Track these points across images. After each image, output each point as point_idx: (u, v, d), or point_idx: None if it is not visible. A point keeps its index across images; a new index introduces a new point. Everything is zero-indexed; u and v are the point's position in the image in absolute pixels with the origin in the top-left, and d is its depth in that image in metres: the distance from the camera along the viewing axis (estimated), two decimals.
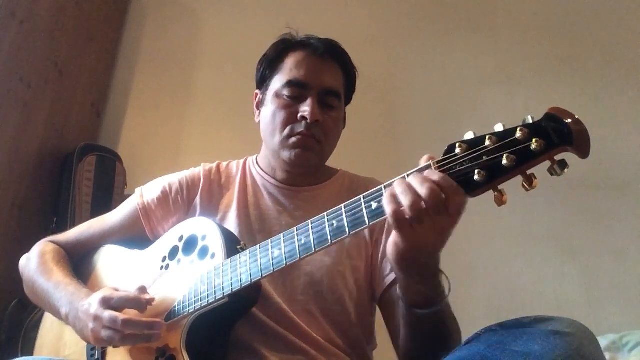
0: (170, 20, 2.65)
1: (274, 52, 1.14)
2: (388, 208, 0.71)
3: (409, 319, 0.85)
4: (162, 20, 2.65)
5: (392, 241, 0.76)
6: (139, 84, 2.56)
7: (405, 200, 0.69)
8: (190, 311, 0.88)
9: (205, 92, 2.50)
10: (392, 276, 1.03)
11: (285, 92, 1.07)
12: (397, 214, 0.70)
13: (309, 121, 1.04)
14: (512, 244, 2.09)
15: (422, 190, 0.68)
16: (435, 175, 0.69)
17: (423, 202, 0.68)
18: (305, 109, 1.04)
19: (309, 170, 1.12)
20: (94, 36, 2.42)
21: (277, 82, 1.10)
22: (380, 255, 1.07)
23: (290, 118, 1.06)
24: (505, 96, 2.27)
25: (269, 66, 1.14)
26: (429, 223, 0.69)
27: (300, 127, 1.05)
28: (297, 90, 1.07)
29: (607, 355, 1.52)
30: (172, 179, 1.15)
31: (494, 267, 2.08)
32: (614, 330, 1.70)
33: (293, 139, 1.06)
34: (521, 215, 2.09)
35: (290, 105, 1.07)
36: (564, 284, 2.00)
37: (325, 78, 1.09)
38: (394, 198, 0.70)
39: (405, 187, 0.70)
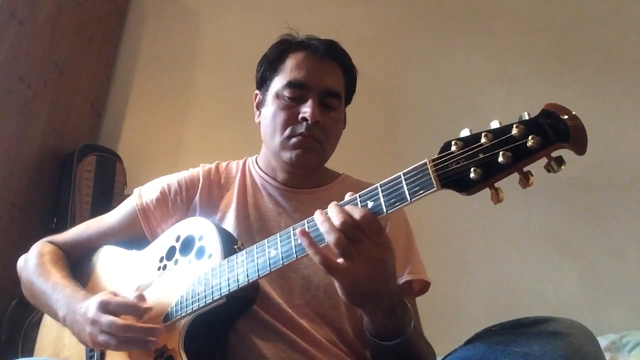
0: (170, 20, 2.65)
1: (274, 52, 1.14)
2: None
3: (375, 350, 0.85)
4: (162, 20, 2.65)
5: (336, 283, 0.77)
6: (139, 84, 2.56)
7: (330, 239, 0.73)
8: (188, 312, 0.88)
9: (205, 92, 2.50)
10: None
11: (286, 93, 1.07)
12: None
13: (309, 122, 1.03)
14: (512, 244, 2.09)
15: (337, 223, 0.73)
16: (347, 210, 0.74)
17: (344, 236, 0.72)
18: (305, 110, 1.04)
19: (309, 171, 1.12)
20: (94, 36, 2.42)
21: (278, 83, 1.10)
22: None
23: (291, 119, 1.06)
24: (505, 96, 2.27)
25: (269, 67, 1.13)
26: (357, 256, 0.73)
27: (301, 128, 1.05)
28: (298, 91, 1.07)
29: (607, 355, 1.51)
30: (171, 180, 1.15)
31: (493, 267, 2.07)
32: (614, 330, 1.70)
33: (294, 140, 1.05)
34: (521, 215, 2.08)
35: (290, 106, 1.06)
36: (564, 284, 1.99)
37: (325, 79, 1.08)
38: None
39: (328, 226, 0.74)
